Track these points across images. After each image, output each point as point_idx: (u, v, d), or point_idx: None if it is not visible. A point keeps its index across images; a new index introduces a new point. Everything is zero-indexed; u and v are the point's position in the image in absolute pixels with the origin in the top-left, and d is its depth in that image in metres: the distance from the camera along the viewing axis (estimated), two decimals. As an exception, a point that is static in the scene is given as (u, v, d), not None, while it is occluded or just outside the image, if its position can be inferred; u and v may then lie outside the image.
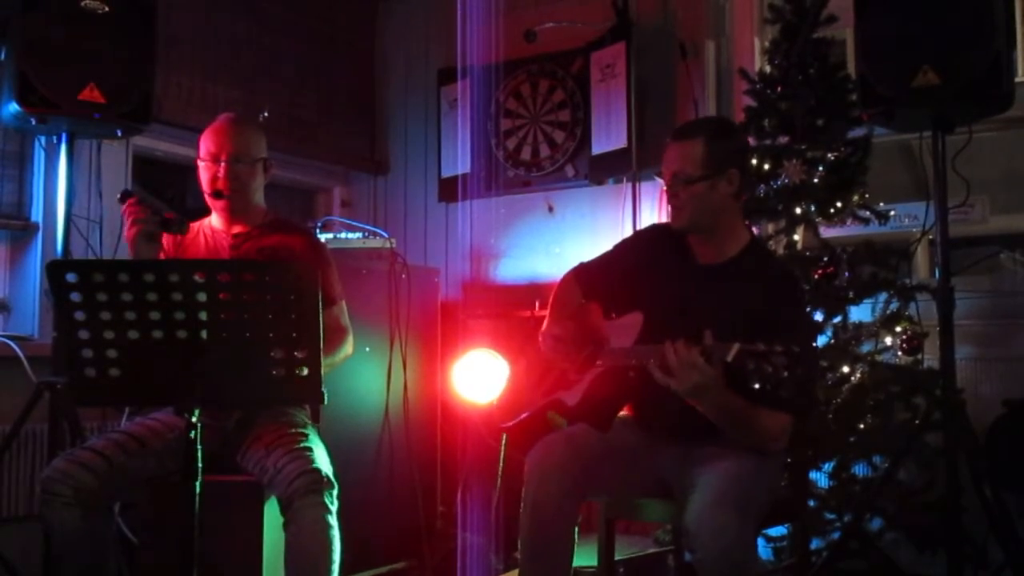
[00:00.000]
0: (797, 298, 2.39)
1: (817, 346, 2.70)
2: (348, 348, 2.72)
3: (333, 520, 2.33)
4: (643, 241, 2.59)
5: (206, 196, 2.70)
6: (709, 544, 1.98)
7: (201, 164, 2.70)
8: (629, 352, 2.32)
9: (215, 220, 2.77)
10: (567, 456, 2.28)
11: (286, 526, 2.31)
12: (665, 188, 2.41)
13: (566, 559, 2.29)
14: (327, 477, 2.35)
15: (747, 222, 2.58)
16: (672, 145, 2.39)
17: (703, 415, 2.16)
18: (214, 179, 2.67)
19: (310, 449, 2.41)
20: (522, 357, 2.67)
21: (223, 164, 2.66)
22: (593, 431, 2.36)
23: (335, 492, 2.36)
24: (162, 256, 2.61)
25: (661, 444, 2.41)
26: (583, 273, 2.60)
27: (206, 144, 2.69)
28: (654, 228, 2.63)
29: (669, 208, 2.40)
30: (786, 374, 1.91)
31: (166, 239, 2.64)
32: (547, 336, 2.47)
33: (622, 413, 2.52)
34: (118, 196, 2.56)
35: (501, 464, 3.41)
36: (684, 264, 2.43)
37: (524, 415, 2.48)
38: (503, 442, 3.27)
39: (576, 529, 2.30)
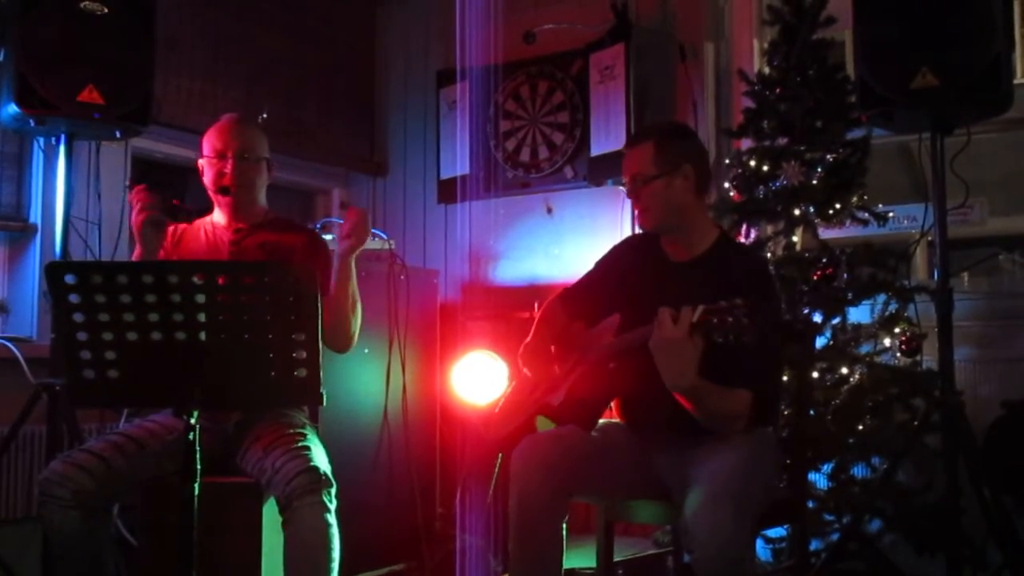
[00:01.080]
0: (766, 279, 2.43)
1: (780, 307, 2.68)
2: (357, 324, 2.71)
3: (332, 519, 2.32)
4: (619, 253, 2.65)
5: (211, 193, 2.71)
6: (706, 543, 2.00)
7: (205, 162, 2.71)
8: (610, 344, 2.40)
9: (217, 216, 2.77)
10: (554, 453, 2.30)
11: (285, 525, 2.31)
12: (627, 194, 2.49)
13: (555, 555, 2.29)
14: (325, 476, 2.34)
15: (713, 217, 2.63)
16: (627, 152, 2.49)
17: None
18: (220, 175, 2.68)
19: (308, 448, 2.40)
20: (515, 375, 2.75)
21: (230, 160, 2.67)
22: (580, 431, 2.39)
23: (334, 491, 2.35)
24: (161, 254, 2.62)
25: (654, 446, 2.43)
26: (566, 295, 2.67)
27: (212, 142, 2.70)
28: (628, 239, 2.72)
29: (636, 213, 2.48)
30: (746, 320, 1.99)
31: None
32: (527, 349, 2.58)
33: (614, 420, 2.55)
34: (126, 183, 2.58)
35: (494, 479, 3.43)
36: (657, 264, 2.49)
37: (516, 424, 2.53)
38: (498, 459, 3.31)
39: (565, 525, 2.31)
